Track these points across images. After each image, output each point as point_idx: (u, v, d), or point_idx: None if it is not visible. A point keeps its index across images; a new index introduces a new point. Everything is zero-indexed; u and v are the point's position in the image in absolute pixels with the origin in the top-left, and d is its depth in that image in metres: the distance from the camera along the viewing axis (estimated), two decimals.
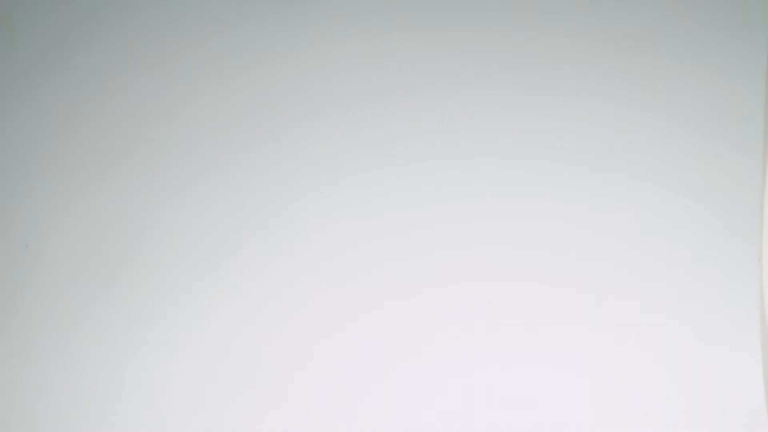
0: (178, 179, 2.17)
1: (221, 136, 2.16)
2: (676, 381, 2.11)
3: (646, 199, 2.11)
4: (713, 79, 2.01)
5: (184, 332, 2.24)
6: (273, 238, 2.18)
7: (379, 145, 2.15)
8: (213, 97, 2.07)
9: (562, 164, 2.11)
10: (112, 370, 2.22)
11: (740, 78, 2.01)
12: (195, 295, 2.24)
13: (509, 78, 2.07)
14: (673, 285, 2.11)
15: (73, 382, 2.21)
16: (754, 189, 2.17)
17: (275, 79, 2.10)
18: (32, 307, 2.19)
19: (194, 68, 2.11)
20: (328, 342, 2.16)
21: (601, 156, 2.10)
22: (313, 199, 2.17)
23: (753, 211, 2.15)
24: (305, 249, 2.18)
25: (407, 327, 2.14)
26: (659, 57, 2.04)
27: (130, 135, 2.15)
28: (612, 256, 2.12)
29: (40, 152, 2.21)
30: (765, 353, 2.12)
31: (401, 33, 2.16)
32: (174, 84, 2.14)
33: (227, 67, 2.10)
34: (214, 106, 2.10)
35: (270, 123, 2.17)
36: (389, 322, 2.19)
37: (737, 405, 2.11)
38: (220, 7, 2.15)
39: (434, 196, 2.13)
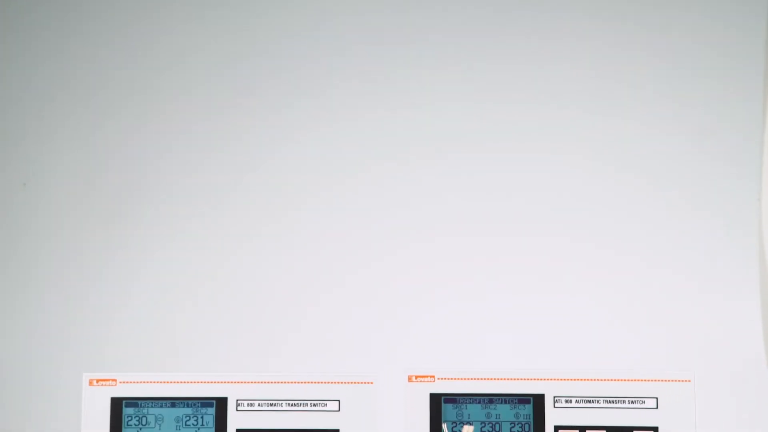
0: (179, 119, 2.17)
1: (223, 77, 2.17)
2: (675, 324, 2.07)
3: (646, 143, 2.14)
4: (715, 24, 2.04)
5: (186, 272, 2.20)
6: (277, 182, 2.16)
7: (380, 91, 2.18)
8: (214, 39, 2.12)
9: (561, 110, 2.09)
10: (112, 309, 2.17)
11: (741, 20, 2.03)
12: (199, 235, 2.20)
13: (507, 21, 2.11)
14: (672, 226, 2.11)
15: (72, 320, 2.17)
16: (754, 130, 2.13)
17: (277, 23, 2.13)
18: (30, 246, 2.17)
19: (195, 9, 2.14)
20: (335, 287, 2.12)
21: (600, 101, 2.09)
22: (319, 143, 2.16)
23: (753, 150, 2.14)
24: (311, 196, 2.16)
25: (410, 275, 2.12)
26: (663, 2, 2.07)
27: (130, 74, 2.16)
28: (610, 201, 2.13)
29: (38, 90, 2.22)
30: (764, 293, 2.06)
31: None
32: (175, 24, 2.17)
33: (229, 7, 2.13)
34: (215, 47, 2.14)
35: (272, 66, 2.18)
36: (395, 268, 2.17)
37: (736, 346, 2.06)
38: None
39: (437, 147, 2.15)
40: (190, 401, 1.48)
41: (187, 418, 1.48)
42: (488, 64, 2.19)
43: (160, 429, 1.48)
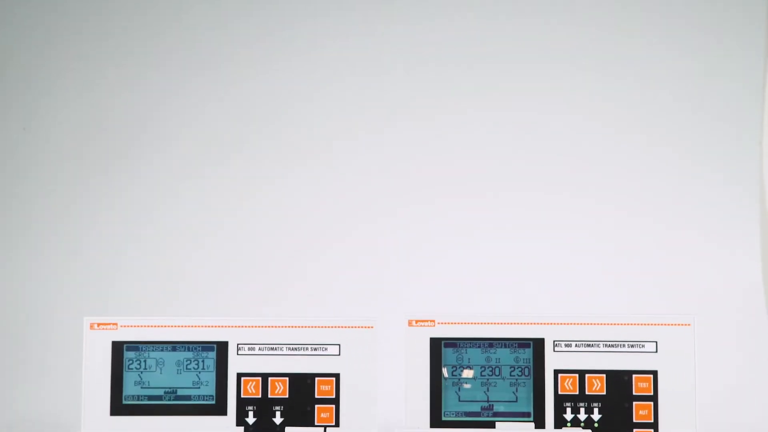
0: (184, 65, 2.16)
1: (227, 26, 2.17)
2: (675, 268, 2.15)
3: (644, 94, 2.19)
4: None
5: (189, 219, 2.20)
6: (286, 132, 2.16)
7: (391, 51, 2.21)
8: None
9: (552, 64, 2.16)
10: (114, 253, 2.17)
11: None
12: (203, 182, 2.20)
13: None
14: (673, 172, 2.12)
15: (74, 265, 2.17)
16: (755, 73, 2.16)
17: None
18: (31, 190, 2.17)
19: None
20: (338, 237, 2.14)
21: (596, 54, 2.16)
22: (326, 98, 2.16)
23: (754, 94, 2.13)
24: (319, 150, 2.16)
25: (412, 225, 2.15)
26: None
27: (132, 19, 2.14)
28: (611, 151, 2.14)
29: (39, 36, 2.21)
30: (764, 237, 2.06)
31: None
32: None
33: None
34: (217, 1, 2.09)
35: (277, 15, 2.17)
36: (397, 219, 2.19)
37: (736, 290, 2.08)
38: None
39: (436, 111, 2.16)
40: (190, 345, 1.49)
41: (188, 361, 1.48)
42: (490, 22, 2.17)
43: (161, 373, 1.48)
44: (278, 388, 1.48)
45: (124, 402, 1.48)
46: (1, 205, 2.17)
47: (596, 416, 1.49)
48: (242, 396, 1.48)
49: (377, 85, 2.18)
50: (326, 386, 1.48)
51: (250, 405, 1.48)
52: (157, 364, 1.48)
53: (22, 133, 2.16)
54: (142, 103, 2.20)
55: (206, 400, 1.48)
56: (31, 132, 2.17)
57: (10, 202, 2.17)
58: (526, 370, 1.50)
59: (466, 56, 2.20)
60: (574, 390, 1.49)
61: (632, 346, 1.49)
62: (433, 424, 1.48)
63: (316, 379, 1.48)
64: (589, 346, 1.49)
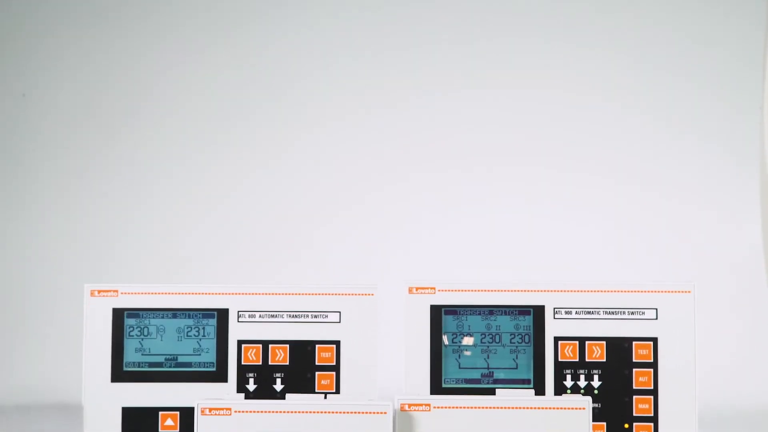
0: (188, 35, 2.15)
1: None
2: (676, 236, 2.19)
3: (645, 57, 2.15)
4: None
5: (190, 187, 2.20)
6: (288, 104, 2.16)
7: (400, 28, 2.20)
8: None
9: (556, 43, 2.20)
10: (115, 220, 2.17)
11: None
12: (205, 150, 2.20)
13: None
14: (673, 138, 2.12)
15: (75, 232, 2.17)
16: (756, 39, 2.20)
17: None
18: (31, 157, 2.16)
19: None
20: (339, 206, 2.14)
21: (600, 25, 2.19)
22: (331, 72, 2.16)
23: (753, 61, 2.14)
24: (321, 120, 2.16)
25: (412, 193, 2.15)
26: None
27: None
28: (610, 119, 2.14)
29: (39, 3, 2.20)
30: (764, 204, 2.06)
31: None
32: None
33: None
34: None
35: None
36: (398, 187, 2.18)
37: (737, 258, 2.07)
38: None
39: (436, 85, 2.17)
40: (191, 312, 1.49)
41: (189, 329, 1.49)
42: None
43: (161, 340, 1.48)
44: (279, 355, 1.48)
45: (125, 369, 1.48)
46: (1, 173, 2.17)
47: (596, 383, 1.49)
48: (243, 363, 1.48)
49: (379, 60, 2.18)
50: (326, 353, 1.48)
51: (251, 372, 1.48)
52: (157, 331, 1.49)
53: (22, 99, 2.15)
54: (143, 70, 2.19)
55: (207, 367, 1.48)
56: (31, 98, 2.16)
57: (10, 169, 2.17)
58: (527, 337, 1.50)
59: (466, 32, 2.19)
60: (574, 357, 1.49)
61: (632, 313, 1.49)
62: (433, 391, 1.48)
63: (317, 346, 1.49)
64: (589, 313, 1.49)
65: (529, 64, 2.19)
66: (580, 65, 2.20)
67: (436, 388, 1.49)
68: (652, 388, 1.49)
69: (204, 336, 1.49)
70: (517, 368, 1.50)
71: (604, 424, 1.49)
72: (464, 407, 1.32)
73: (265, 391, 1.48)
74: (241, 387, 1.48)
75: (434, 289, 1.50)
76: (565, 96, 2.21)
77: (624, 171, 2.21)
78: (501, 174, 2.22)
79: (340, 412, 1.30)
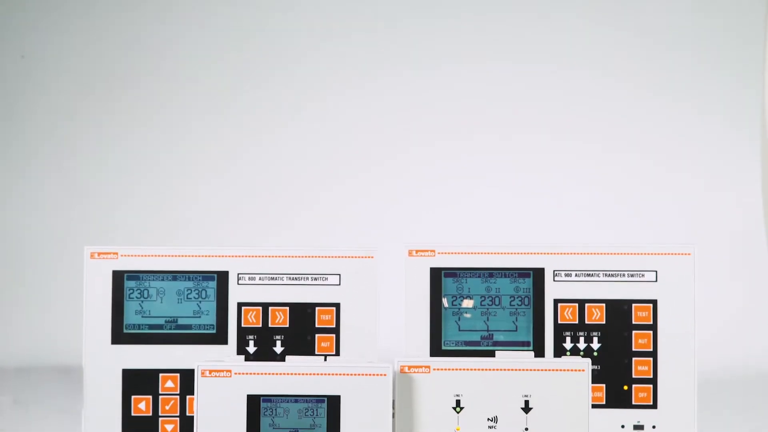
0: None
1: None
2: (676, 198, 2.13)
3: (644, 25, 2.15)
4: None
5: (191, 150, 2.20)
6: (293, 69, 2.15)
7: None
8: None
9: (560, 8, 2.21)
10: (115, 183, 2.17)
11: None
12: (207, 112, 2.20)
13: None
14: (673, 101, 2.12)
15: (75, 194, 2.17)
16: (756, 7, 2.22)
17: None
18: (31, 119, 2.16)
19: None
20: (340, 170, 2.13)
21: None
22: (337, 40, 2.16)
23: (754, 27, 2.14)
24: (325, 87, 2.16)
25: (413, 155, 2.14)
26: None
27: None
28: (610, 81, 2.15)
29: None
30: (765, 168, 2.06)
31: None
32: None
33: None
34: None
35: None
36: (398, 150, 2.18)
37: (737, 220, 2.08)
38: None
39: (440, 61, 2.17)
40: (191, 274, 1.49)
41: (189, 291, 1.49)
42: None
43: (161, 302, 1.49)
44: (278, 317, 1.48)
45: (125, 331, 1.48)
46: (1, 135, 2.17)
47: (596, 345, 1.49)
48: (243, 325, 1.48)
49: (384, 30, 2.17)
50: (326, 316, 1.49)
51: (251, 334, 1.48)
52: (157, 294, 1.49)
53: (21, 61, 2.15)
54: (144, 32, 2.18)
55: (207, 329, 1.48)
56: (30, 60, 2.15)
57: (10, 131, 2.16)
58: (526, 299, 1.50)
59: (465, 7, 2.19)
60: (574, 319, 1.49)
61: (632, 275, 1.49)
62: (432, 353, 1.49)
63: (317, 308, 1.49)
64: (588, 275, 1.49)
65: (527, 36, 2.19)
66: (579, 37, 2.20)
67: (436, 350, 1.49)
68: (651, 350, 1.49)
69: (204, 298, 1.49)
70: (516, 330, 1.50)
71: (604, 386, 1.49)
72: (464, 369, 1.32)
73: (265, 354, 1.48)
74: (241, 349, 1.48)
75: (434, 251, 1.50)
76: (567, 67, 2.20)
77: (624, 139, 2.21)
78: (501, 135, 2.22)
79: (340, 374, 1.30)
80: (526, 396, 1.32)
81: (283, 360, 1.41)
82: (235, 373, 1.30)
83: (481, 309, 1.50)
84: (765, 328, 2.11)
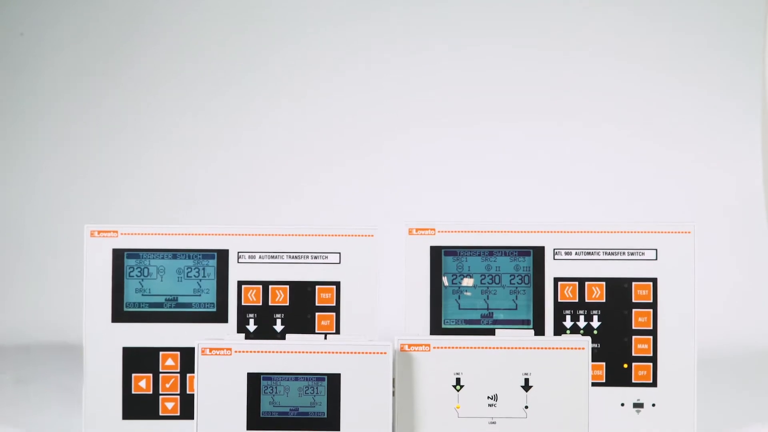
0: None
1: None
2: (676, 176, 2.18)
3: (647, 2, 2.13)
4: None
5: (192, 129, 2.19)
6: (295, 48, 2.15)
7: None
8: None
9: None
10: (115, 160, 2.16)
11: None
12: (209, 90, 2.19)
13: None
14: (673, 79, 2.12)
15: (75, 172, 2.16)
16: None
17: None
18: (30, 96, 2.16)
19: None
20: (341, 149, 2.13)
21: None
22: (340, 23, 2.16)
23: (756, 5, 2.14)
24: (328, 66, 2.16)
25: (413, 134, 2.14)
26: None
27: None
28: (610, 59, 2.14)
29: None
30: (765, 145, 2.06)
31: None
32: None
33: None
34: None
35: None
36: (398, 127, 2.18)
37: (737, 198, 2.07)
38: None
39: (441, 43, 2.17)
40: (191, 253, 1.49)
41: (189, 269, 1.49)
42: None
43: (161, 280, 1.49)
44: (279, 295, 1.49)
45: (125, 309, 1.48)
46: (2, 113, 2.16)
47: (595, 323, 1.49)
48: (243, 304, 1.48)
49: (384, 10, 2.17)
50: (326, 294, 1.49)
51: (251, 312, 1.49)
52: (158, 272, 1.49)
53: (20, 39, 2.14)
54: (143, 11, 2.17)
55: (207, 307, 1.49)
56: (29, 37, 2.15)
57: (9, 109, 2.16)
58: (526, 278, 1.50)
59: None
60: (574, 298, 1.49)
61: (632, 253, 1.49)
62: (432, 332, 1.49)
63: (317, 287, 1.49)
64: (589, 254, 1.49)
65: (527, 18, 2.19)
66: (578, 17, 2.19)
67: (436, 328, 1.49)
68: (651, 328, 1.49)
69: (204, 277, 1.49)
70: (516, 309, 1.50)
71: (603, 364, 1.50)
72: (464, 347, 1.32)
73: (265, 332, 1.48)
74: (242, 327, 1.48)
75: (434, 230, 1.50)
76: (567, 48, 2.20)
77: (624, 118, 2.20)
78: (501, 113, 2.22)
79: (341, 353, 1.31)
80: (526, 374, 1.32)
81: (284, 338, 1.41)
82: (236, 351, 1.31)
83: (481, 287, 1.51)
84: (765, 306, 2.11)
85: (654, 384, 1.49)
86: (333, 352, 1.31)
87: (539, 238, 1.50)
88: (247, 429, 1.30)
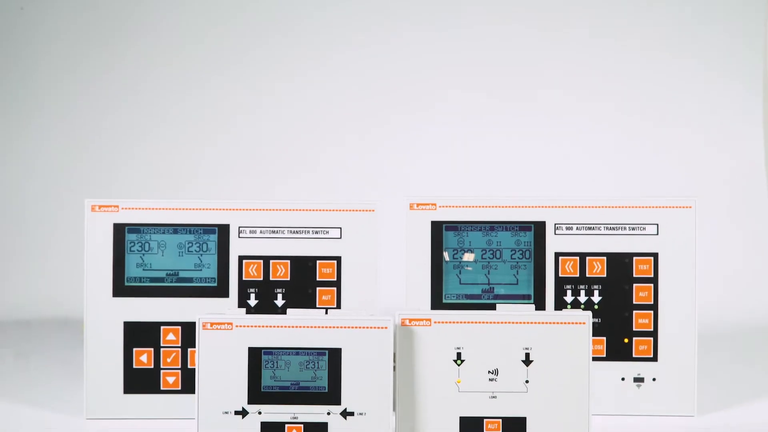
0: None
1: None
2: (677, 151, 2.18)
3: None
4: None
5: (194, 103, 2.19)
6: (298, 26, 2.15)
7: None
8: None
9: None
10: (118, 135, 2.16)
11: None
12: (210, 63, 2.19)
13: None
14: (673, 54, 2.12)
15: (76, 147, 2.16)
16: None
17: None
18: (31, 72, 2.15)
19: None
20: (348, 120, 2.12)
21: None
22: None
23: None
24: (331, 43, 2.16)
25: (413, 109, 2.14)
26: None
27: None
28: (610, 32, 2.14)
29: None
30: (766, 117, 2.06)
31: None
32: None
33: None
34: None
35: None
36: (398, 104, 2.17)
37: (738, 173, 2.08)
38: None
39: (442, 17, 2.16)
40: (192, 228, 1.49)
41: (190, 244, 1.49)
42: None
43: (162, 255, 1.49)
44: (280, 270, 1.49)
45: (126, 284, 1.48)
46: (2, 88, 2.16)
47: (596, 298, 1.49)
48: (244, 278, 1.48)
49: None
50: (327, 269, 1.49)
51: (252, 287, 1.49)
52: (158, 247, 1.49)
53: (20, 13, 2.14)
54: None
55: (208, 282, 1.49)
56: (30, 11, 2.14)
57: (11, 83, 2.15)
58: (527, 253, 1.50)
59: None
60: (575, 273, 1.50)
61: (633, 228, 1.49)
62: (433, 307, 1.49)
63: (318, 261, 1.49)
64: (590, 228, 1.49)
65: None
66: None
67: (437, 303, 1.49)
68: (652, 303, 1.49)
69: (205, 251, 1.49)
70: (517, 284, 1.50)
71: (604, 338, 1.50)
72: (465, 322, 1.32)
73: (266, 307, 1.48)
74: (243, 302, 1.48)
75: (435, 205, 1.50)
76: (567, 23, 2.19)
77: (625, 93, 2.20)
78: (501, 89, 2.21)
79: (341, 327, 1.31)
80: (526, 349, 1.32)
81: (285, 313, 1.41)
82: (237, 326, 1.31)
83: (482, 262, 1.51)
84: (765, 281, 2.11)
85: (654, 358, 1.49)
86: (334, 327, 1.31)
87: (540, 213, 1.50)
88: (248, 403, 1.30)
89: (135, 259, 1.49)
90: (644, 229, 1.49)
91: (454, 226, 1.50)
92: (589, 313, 1.34)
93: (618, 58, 2.18)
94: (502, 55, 2.19)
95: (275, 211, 1.49)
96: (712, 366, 1.71)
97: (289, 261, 1.49)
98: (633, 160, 2.16)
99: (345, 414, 1.30)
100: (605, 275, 1.50)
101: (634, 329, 1.49)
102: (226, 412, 1.30)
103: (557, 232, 1.50)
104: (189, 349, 1.48)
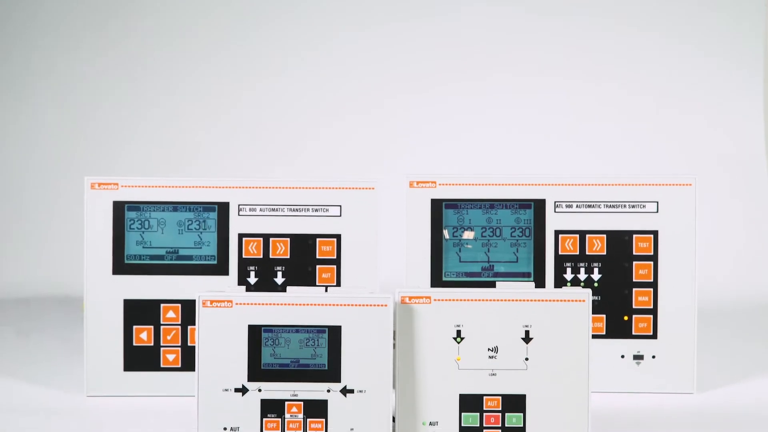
0: None
1: None
2: (677, 129, 2.18)
3: None
4: None
5: (194, 83, 2.19)
6: (300, 7, 2.14)
7: None
8: None
9: None
10: (119, 113, 2.16)
11: None
12: (211, 42, 2.18)
13: None
14: (674, 34, 2.12)
15: (76, 124, 2.16)
16: None
17: None
18: (30, 51, 2.15)
19: None
20: (348, 98, 2.12)
21: None
22: None
23: None
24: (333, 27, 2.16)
25: (413, 86, 2.14)
26: None
27: None
28: (611, 10, 2.14)
29: None
30: (766, 95, 2.05)
31: None
32: None
33: None
34: None
35: None
36: (398, 82, 2.17)
37: (737, 151, 2.07)
38: None
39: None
40: (191, 205, 1.49)
41: (189, 222, 1.49)
42: None
43: (162, 233, 1.49)
44: (279, 248, 1.49)
45: (126, 261, 1.48)
46: (3, 65, 2.15)
47: (596, 276, 1.49)
48: (244, 256, 1.48)
49: None
50: (327, 247, 1.49)
51: (252, 265, 1.49)
52: (158, 224, 1.49)
53: None
54: None
55: (208, 260, 1.49)
56: None
57: (11, 63, 2.15)
58: (527, 230, 1.50)
59: None
60: (575, 250, 1.50)
61: (633, 206, 1.49)
62: (433, 284, 1.49)
63: (317, 239, 1.49)
64: (589, 206, 1.49)
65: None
66: None
67: (437, 281, 1.49)
68: (651, 280, 1.49)
69: (205, 229, 1.49)
70: (517, 261, 1.50)
71: (604, 316, 1.50)
72: (464, 300, 1.32)
73: (266, 284, 1.48)
74: (242, 280, 1.48)
75: (435, 183, 1.50)
76: (568, 5, 2.19)
77: (625, 73, 2.20)
78: (501, 67, 2.21)
79: (341, 305, 1.31)
80: (526, 326, 1.32)
81: (284, 291, 1.41)
82: (237, 304, 1.31)
83: (482, 240, 1.51)
84: (765, 259, 2.11)
85: (654, 336, 1.50)
86: (334, 305, 1.31)
87: (540, 190, 1.50)
88: (248, 381, 1.30)
89: (135, 237, 1.49)
90: (644, 206, 1.49)
91: (454, 203, 1.50)
92: (589, 291, 1.34)
93: (619, 39, 2.18)
94: (504, 35, 2.19)
95: (275, 189, 1.49)
96: (712, 344, 1.71)
97: (288, 239, 1.49)
98: (632, 141, 2.16)
99: (345, 391, 1.30)
100: (605, 253, 1.50)
101: (633, 307, 1.50)
102: (226, 390, 1.30)
103: (557, 209, 1.50)
104: (189, 327, 1.48)
